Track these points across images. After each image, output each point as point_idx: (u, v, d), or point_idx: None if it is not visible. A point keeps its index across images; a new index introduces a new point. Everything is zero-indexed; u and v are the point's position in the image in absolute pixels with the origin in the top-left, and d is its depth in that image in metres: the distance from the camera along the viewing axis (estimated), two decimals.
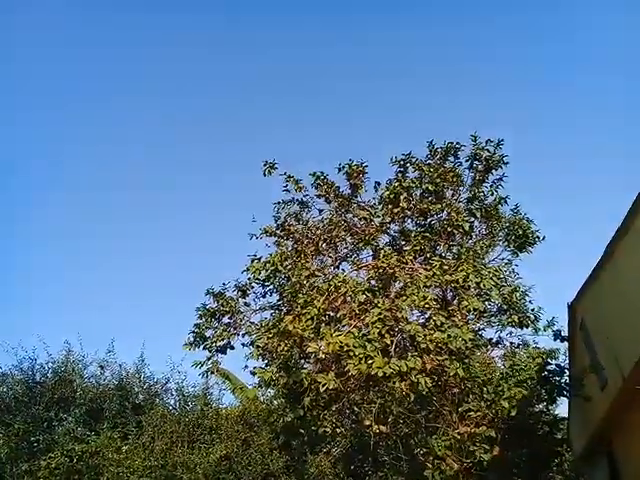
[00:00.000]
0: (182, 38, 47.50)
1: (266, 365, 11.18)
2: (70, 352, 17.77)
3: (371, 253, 12.11)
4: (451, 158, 11.75)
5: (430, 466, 9.65)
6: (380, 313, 8.98)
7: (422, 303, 9.14)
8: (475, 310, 9.64)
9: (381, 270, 10.16)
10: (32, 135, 43.33)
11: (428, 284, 9.73)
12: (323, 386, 8.52)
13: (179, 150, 50.73)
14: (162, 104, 49.31)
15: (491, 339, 11.98)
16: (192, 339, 11.65)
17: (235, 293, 11.82)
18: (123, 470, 12.56)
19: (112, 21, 43.56)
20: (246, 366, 11.87)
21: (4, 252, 41.59)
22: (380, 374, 8.07)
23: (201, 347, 11.63)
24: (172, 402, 18.32)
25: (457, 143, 11.59)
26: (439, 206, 11.17)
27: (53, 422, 16.25)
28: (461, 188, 11.87)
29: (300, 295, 10.21)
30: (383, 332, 8.77)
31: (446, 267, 9.93)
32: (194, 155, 50.83)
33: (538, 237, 12.11)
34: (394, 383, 8.43)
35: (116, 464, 12.70)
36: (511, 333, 12.01)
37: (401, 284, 10.42)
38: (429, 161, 11.65)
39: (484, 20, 46.09)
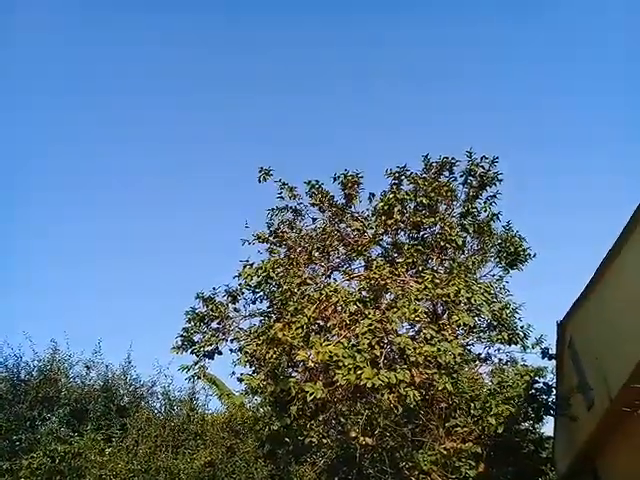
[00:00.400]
0: (182, 38, 47.66)
1: (253, 372, 11.13)
2: (56, 351, 17.64)
3: (363, 264, 12.14)
4: (446, 173, 11.79)
5: None
6: (370, 324, 8.97)
7: (413, 316, 9.14)
8: (465, 325, 9.65)
9: (373, 281, 10.16)
10: (34, 133, 43.10)
11: (419, 297, 9.75)
12: (311, 395, 8.48)
13: (180, 150, 50.67)
14: (163, 104, 49.32)
15: (479, 355, 12.01)
16: (180, 343, 11.56)
17: (225, 298, 11.77)
18: (106, 473, 12.40)
19: (112, 21, 43.64)
20: (233, 372, 11.83)
21: None
22: (369, 385, 8.05)
23: (189, 351, 11.54)
24: (158, 406, 18.23)
25: (452, 158, 11.65)
26: (432, 220, 11.21)
27: (36, 421, 16.06)
28: (455, 203, 11.92)
29: (291, 303, 10.19)
30: (373, 343, 8.76)
31: (438, 281, 9.95)
32: (194, 155, 50.71)
33: (529, 255, 12.20)
34: (382, 395, 8.42)
35: (99, 466, 12.53)
36: (499, 350, 12.09)
37: (392, 296, 10.45)
38: (424, 175, 11.70)
39: (487, 21, 46.60)
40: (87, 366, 18.02)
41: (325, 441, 11.77)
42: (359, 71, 51.79)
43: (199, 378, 12.50)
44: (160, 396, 18.19)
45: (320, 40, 50.09)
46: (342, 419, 11.53)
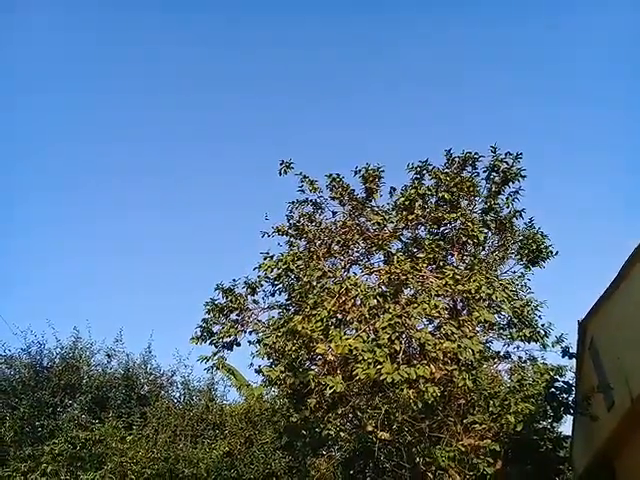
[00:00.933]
0: (182, 38, 47.68)
1: (272, 364, 11.20)
2: (78, 339, 17.82)
3: (382, 258, 12.09)
4: (469, 168, 11.67)
5: (431, 476, 9.61)
6: (391, 319, 8.95)
7: (433, 312, 9.09)
8: (486, 322, 9.59)
9: (393, 276, 10.13)
10: (33, 133, 43.49)
11: (440, 293, 9.71)
12: (330, 389, 8.52)
13: (180, 149, 50.77)
14: (168, 103, 49.49)
15: (499, 352, 11.90)
16: (199, 333, 11.70)
17: (244, 290, 11.84)
18: (126, 460, 12.57)
19: (111, 21, 43.84)
20: (252, 364, 11.93)
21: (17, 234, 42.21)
22: (389, 380, 8.04)
23: (208, 342, 11.68)
24: (177, 395, 18.38)
25: (475, 153, 11.52)
26: (454, 215, 11.12)
27: (58, 408, 16.32)
28: (477, 198, 11.81)
29: (310, 296, 10.21)
30: (393, 338, 8.74)
31: (458, 277, 9.89)
32: (194, 155, 50.61)
33: (551, 252, 12.00)
34: (402, 390, 8.41)
35: (119, 454, 12.71)
36: (518, 347, 11.94)
37: (412, 291, 10.41)
38: (446, 170, 11.61)
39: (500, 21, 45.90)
40: (108, 355, 18.19)
41: (342, 434, 11.81)
42: (359, 71, 51.51)
43: (218, 369, 12.65)
44: (180, 386, 18.40)
45: (322, 40, 49.69)
46: (359, 413, 11.55)
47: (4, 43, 36.47)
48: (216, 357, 11.61)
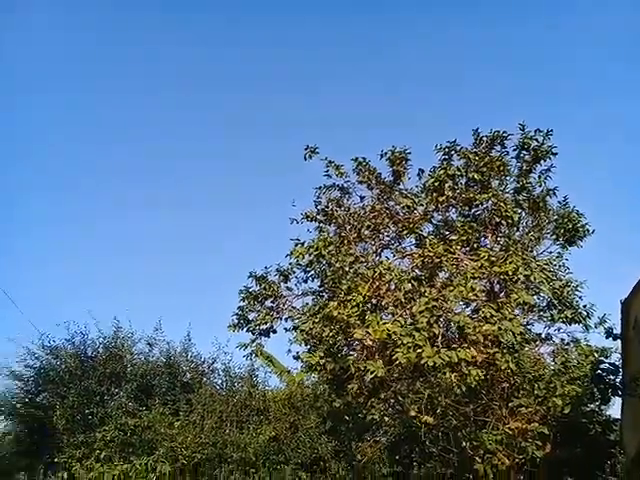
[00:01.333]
0: (182, 37, 47.39)
1: (309, 350, 11.27)
2: (119, 329, 18.38)
3: (414, 242, 11.93)
4: (497, 147, 11.31)
5: (479, 460, 9.52)
6: (427, 302, 8.87)
7: (470, 294, 8.97)
8: (525, 304, 9.38)
9: (427, 259, 10.01)
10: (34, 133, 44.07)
11: (476, 275, 9.54)
12: (371, 373, 8.54)
13: (183, 149, 50.64)
14: (168, 103, 49.49)
15: (540, 334, 11.64)
16: (236, 321, 11.89)
17: (277, 277, 11.89)
18: (177, 445, 12.94)
19: (111, 21, 43.79)
20: (289, 350, 12.03)
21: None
22: (430, 363, 8.01)
23: (245, 329, 11.86)
24: (219, 382, 18.74)
25: (504, 132, 11.17)
26: (485, 196, 10.84)
27: (105, 396, 16.96)
28: (508, 178, 11.47)
29: (344, 281, 10.19)
30: (432, 322, 8.67)
31: (494, 259, 9.70)
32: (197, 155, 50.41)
33: (588, 231, 11.57)
34: (444, 374, 8.35)
35: (169, 439, 13.10)
36: (559, 329, 11.64)
37: (447, 274, 10.28)
38: (475, 149, 11.31)
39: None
40: (149, 343, 18.70)
41: (386, 419, 11.82)
42: (359, 70, 50.24)
43: (256, 355, 12.84)
44: (221, 373, 18.72)
45: (322, 40, 48.59)
46: (400, 398, 11.54)
47: (4, 43, 37.07)
48: (254, 344, 11.79)
